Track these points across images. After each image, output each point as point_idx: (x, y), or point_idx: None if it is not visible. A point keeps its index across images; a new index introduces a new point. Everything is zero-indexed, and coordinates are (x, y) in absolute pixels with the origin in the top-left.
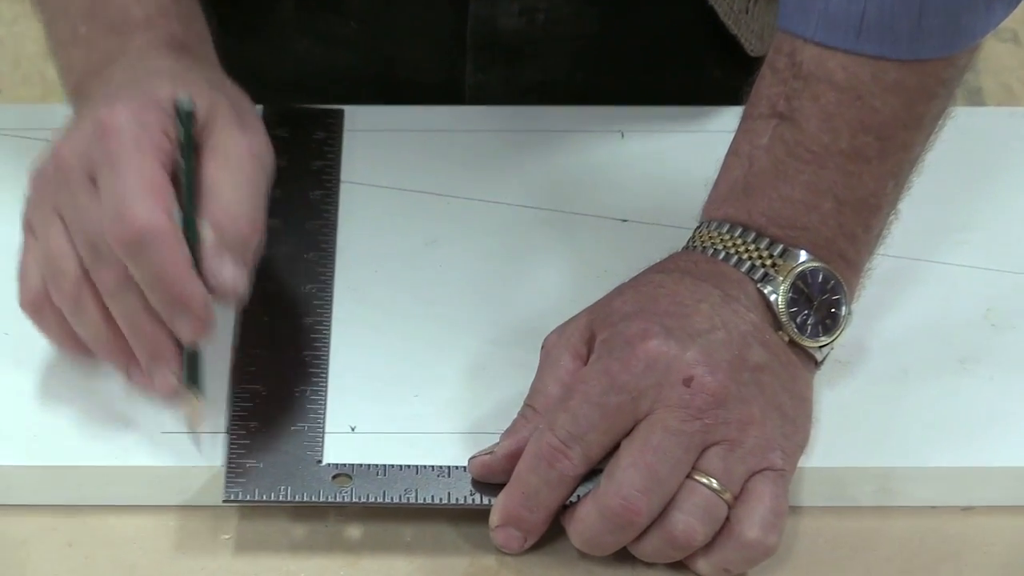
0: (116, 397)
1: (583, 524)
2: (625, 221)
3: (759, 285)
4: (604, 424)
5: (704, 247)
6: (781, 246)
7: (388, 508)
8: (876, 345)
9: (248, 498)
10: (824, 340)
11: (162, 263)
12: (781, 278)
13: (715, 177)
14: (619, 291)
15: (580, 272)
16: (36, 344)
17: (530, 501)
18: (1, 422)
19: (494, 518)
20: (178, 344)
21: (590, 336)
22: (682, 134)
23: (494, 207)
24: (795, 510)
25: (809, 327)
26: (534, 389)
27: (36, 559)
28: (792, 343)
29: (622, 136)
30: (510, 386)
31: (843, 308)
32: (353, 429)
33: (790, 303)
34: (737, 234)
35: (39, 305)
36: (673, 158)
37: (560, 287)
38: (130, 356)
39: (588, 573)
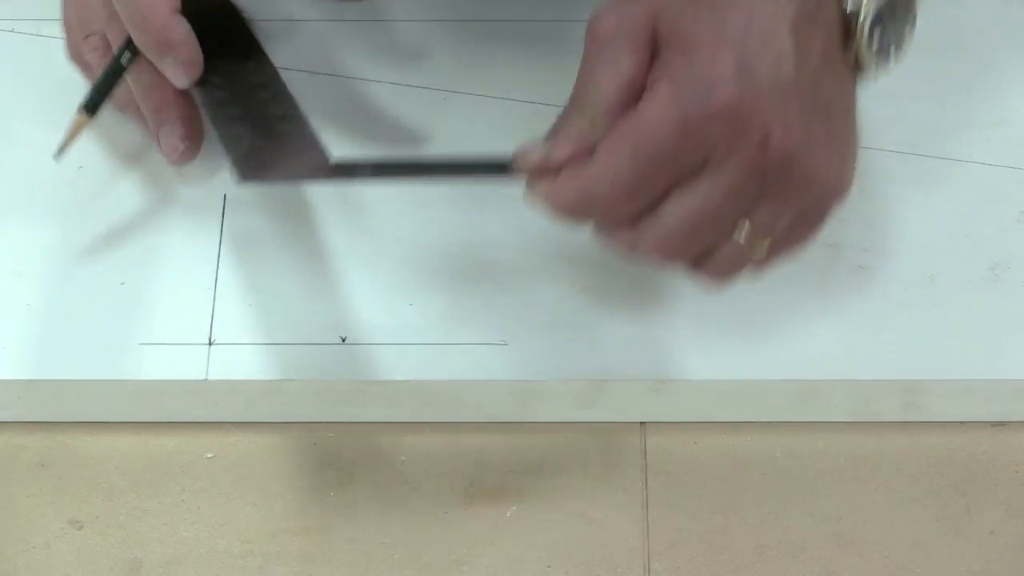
0: (90, 307)
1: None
2: None
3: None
4: (668, 177)
5: None
6: None
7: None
8: (902, 250)
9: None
10: (891, 63)
11: (146, 5)
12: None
13: None
14: None
15: None
16: (4, 251)
17: (570, 211)
18: None
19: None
20: (184, 109)
21: (653, 31)
22: None
23: (497, 103)
24: (816, 426)
25: (878, 47)
26: (586, 84)
27: (5, 480)
28: (856, 63)
29: None
30: (512, 293)
31: (912, 27)
32: (344, 340)
33: (872, 23)
34: None
35: (76, 59)
36: None
37: None
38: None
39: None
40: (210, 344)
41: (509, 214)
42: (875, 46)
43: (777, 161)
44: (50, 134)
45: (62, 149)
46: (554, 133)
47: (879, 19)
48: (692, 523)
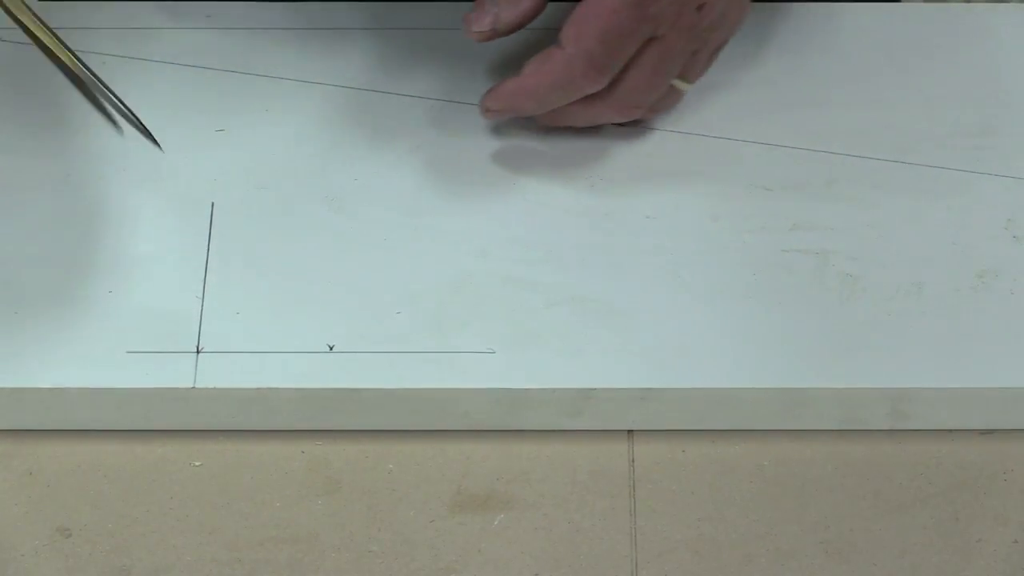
0: (78, 314)
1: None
2: (622, 126)
3: None
4: (630, 50)
5: None
6: None
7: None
8: (889, 258)
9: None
10: None
11: None
12: None
13: None
14: None
15: (572, 181)
16: None
17: (539, 102)
18: None
19: (491, 102)
20: None
21: None
22: None
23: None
24: (803, 434)
25: None
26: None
27: None
28: None
29: None
30: (499, 301)
31: None
32: (331, 348)
33: None
34: None
35: None
36: None
37: (552, 197)
38: None
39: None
40: (198, 352)
41: (495, 223)
42: None
43: (710, 18)
44: (36, 139)
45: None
46: None
47: None
48: (680, 531)
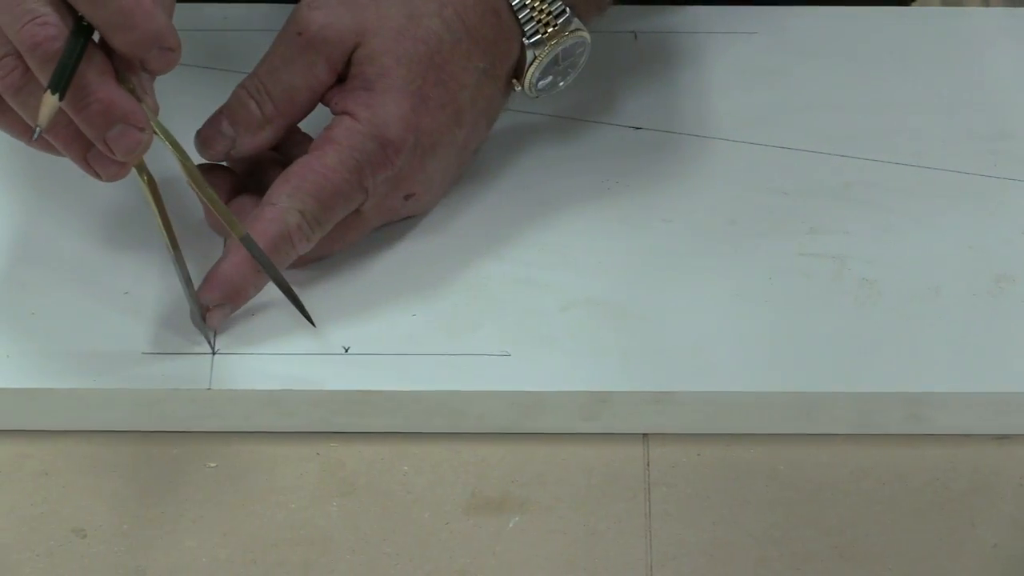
0: (94, 315)
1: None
2: (638, 129)
3: (528, 46)
4: (340, 214)
5: None
6: (561, 5)
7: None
8: (907, 263)
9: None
10: (550, 89)
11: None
12: (550, 44)
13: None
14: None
15: (590, 184)
16: (10, 259)
17: (255, 275)
18: None
19: (211, 295)
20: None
21: (352, 50)
22: (698, 35)
23: (515, 114)
24: (819, 438)
25: (544, 80)
26: (278, 74)
27: (8, 488)
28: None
29: (635, 37)
30: (514, 303)
31: (578, 68)
32: (347, 350)
33: (544, 68)
34: None
35: None
36: (689, 61)
37: (568, 199)
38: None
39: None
40: (213, 354)
41: (511, 226)
42: (542, 82)
43: (410, 208)
44: None
45: (39, 132)
46: (231, 104)
47: (550, 66)
48: (694, 535)
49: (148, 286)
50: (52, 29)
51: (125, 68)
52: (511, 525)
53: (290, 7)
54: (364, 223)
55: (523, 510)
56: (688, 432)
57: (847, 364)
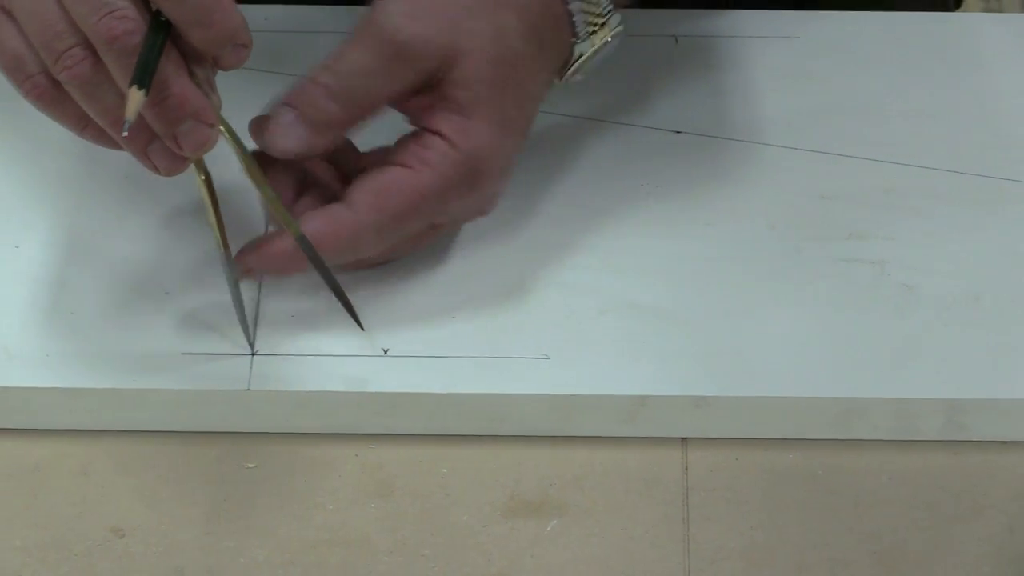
0: (133, 315)
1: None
2: (679, 133)
3: (575, 43)
4: (412, 232)
5: None
6: (609, 3)
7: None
8: (947, 269)
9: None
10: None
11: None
12: (597, 42)
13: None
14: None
15: (630, 187)
16: (51, 259)
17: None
18: (14, 341)
19: (253, 261)
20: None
21: (441, 67)
22: (740, 39)
23: (557, 118)
24: (858, 443)
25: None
26: (360, 73)
27: (49, 486)
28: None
29: (676, 41)
30: (554, 306)
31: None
32: (386, 352)
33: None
34: None
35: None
36: (730, 65)
37: (609, 203)
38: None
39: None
40: (253, 355)
41: (552, 229)
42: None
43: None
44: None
45: (127, 126)
46: (304, 101)
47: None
48: (733, 540)
49: (188, 286)
50: (131, 23)
51: (194, 63)
52: (549, 528)
53: (329, 8)
54: (435, 236)
55: (561, 513)
56: (727, 436)
57: (887, 369)
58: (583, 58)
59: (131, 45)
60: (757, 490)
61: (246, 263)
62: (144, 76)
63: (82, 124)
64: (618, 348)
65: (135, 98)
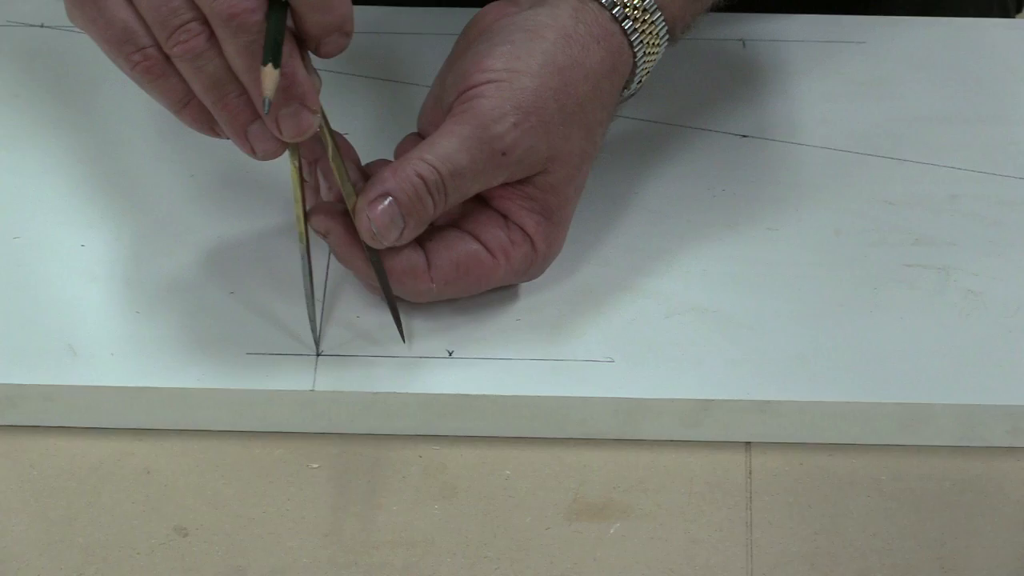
0: (199, 315)
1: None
2: (745, 137)
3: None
4: None
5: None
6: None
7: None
8: (1011, 274)
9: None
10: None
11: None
12: (652, 59)
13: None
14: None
15: (695, 191)
16: (115, 257)
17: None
18: (79, 340)
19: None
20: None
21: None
22: (807, 44)
23: (624, 120)
24: (922, 449)
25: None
26: (463, 175)
27: (111, 486)
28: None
29: (743, 45)
30: (619, 310)
31: None
32: (451, 354)
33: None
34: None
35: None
36: (798, 70)
37: (674, 206)
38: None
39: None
40: (318, 355)
41: (617, 232)
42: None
43: None
44: (161, 142)
45: (268, 104)
46: (407, 197)
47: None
48: (796, 544)
49: (253, 287)
50: (252, 1)
51: (301, 48)
52: (612, 531)
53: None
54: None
55: (624, 516)
56: (791, 441)
57: (950, 376)
58: (637, 76)
59: (250, 23)
60: (820, 495)
61: (322, 224)
62: (278, 55)
63: (183, 102)
64: (683, 352)
65: (271, 76)
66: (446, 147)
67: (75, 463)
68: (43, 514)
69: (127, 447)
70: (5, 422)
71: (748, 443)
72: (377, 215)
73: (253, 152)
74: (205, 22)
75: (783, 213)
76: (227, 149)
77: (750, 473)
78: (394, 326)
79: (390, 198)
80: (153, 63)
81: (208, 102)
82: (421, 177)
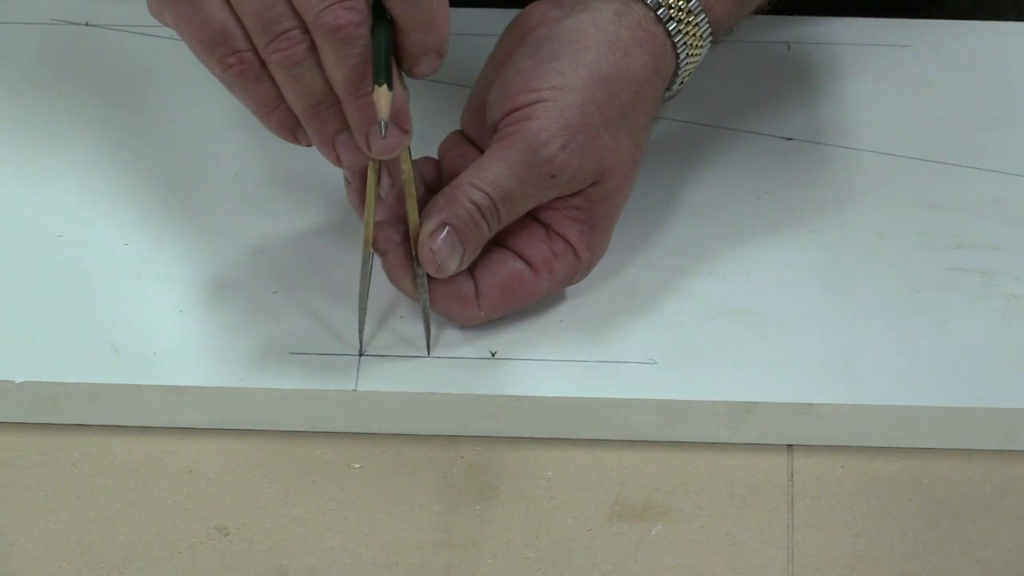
0: (242, 314)
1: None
2: (789, 140)
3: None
4: None
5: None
6: (708, 27)
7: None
8: None
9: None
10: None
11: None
12: (695, 60)
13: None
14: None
15: (739, 193)
16: (158, 256)
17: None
18: (122, 339)
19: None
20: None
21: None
22: (852, 47)
23: (668, 123)
24: (964, 453)
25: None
26: (512, 198)
27: (152, 485)
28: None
29: (788, 48)
30: (662, 312)
31: None
32: (493, 355)
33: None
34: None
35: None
36: (843, 73)
37: (717, 208)
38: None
39: None
40: (360, 355)
41: (660, 233)
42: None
43: None
44: (205, 140)
45: (384, 127)
46: (462, 224)
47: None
48: (837, 547)
49: (296, 286)
50: (358, 15)
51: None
52: (653, 533)
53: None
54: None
55: (666, 518)
56: (832, 444)
57: (993, 379)
58: (679, 77)
59: (354, 36)
60: (862, 498)
61: (383, 244)
62: (391, 74)
63: (271, 107)
64: (725, 354)
65: (386, 97)
66: (495, 172)
67: (117, 462)
68: (84, 512)
69: (169, 446)
70: (48, 420)
71: (790, 445)
72: (439, 246)
73: (339, 161)
74: (306, 31)
75: (826, 216)
76: (269, 149)
77: (792, 476)
78: (438, 327)
79: (448, 227)
80: (248, 67)
81: (299, 110)
82: (474, 203)
